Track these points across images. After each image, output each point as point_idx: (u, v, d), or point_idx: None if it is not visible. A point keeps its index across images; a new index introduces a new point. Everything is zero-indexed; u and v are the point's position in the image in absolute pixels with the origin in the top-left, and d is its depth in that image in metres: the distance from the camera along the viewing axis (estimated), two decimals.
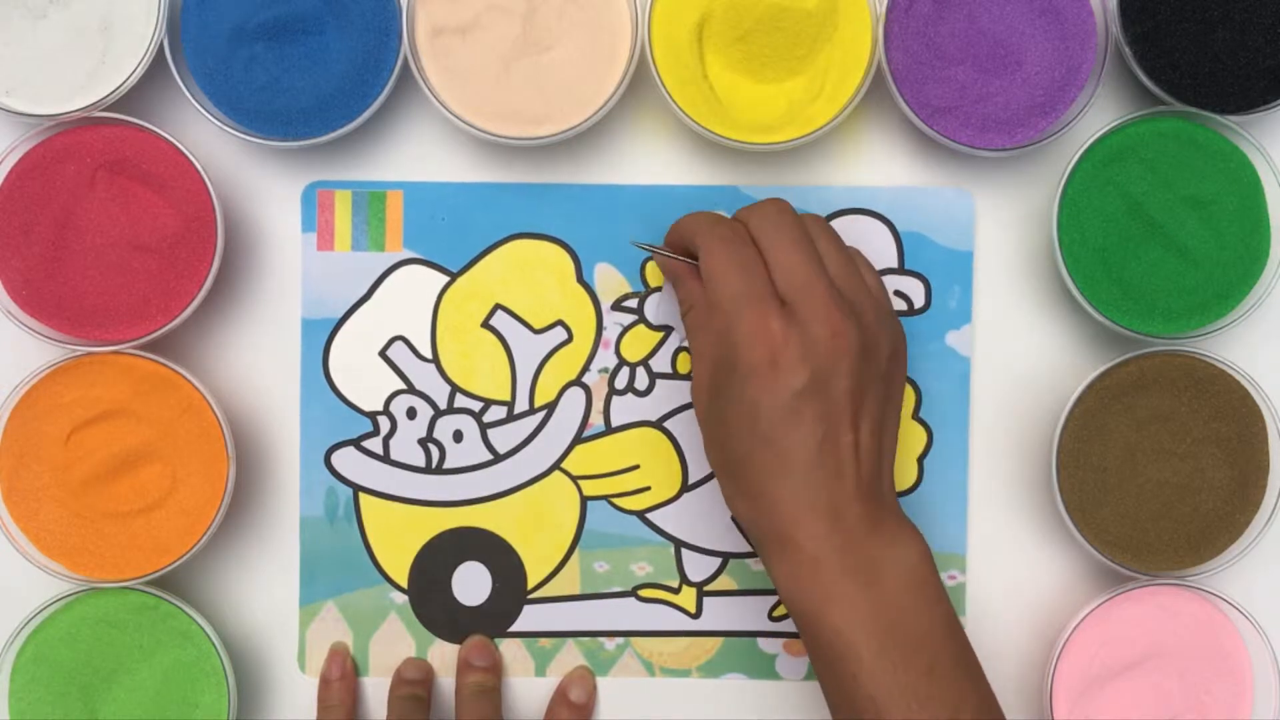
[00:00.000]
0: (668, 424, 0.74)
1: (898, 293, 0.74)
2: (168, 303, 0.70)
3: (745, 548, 0.74)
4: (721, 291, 0.65)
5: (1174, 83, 0.70)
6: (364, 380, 0.74)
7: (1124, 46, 0.70)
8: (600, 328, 0.74)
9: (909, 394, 0.74)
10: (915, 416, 0.74)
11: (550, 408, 0.74)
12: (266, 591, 0.74)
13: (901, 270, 0.74)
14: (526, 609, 0.74)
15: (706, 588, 0.74)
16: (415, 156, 0.74)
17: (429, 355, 0.74)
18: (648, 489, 0.74)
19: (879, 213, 0.74)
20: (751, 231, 0.67)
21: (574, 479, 0.74)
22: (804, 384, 0.63)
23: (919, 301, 0.74)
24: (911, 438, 0.74)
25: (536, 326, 0.74)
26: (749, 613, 0.74)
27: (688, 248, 0.69)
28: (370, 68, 0.70)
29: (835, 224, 0.74)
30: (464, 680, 0.73)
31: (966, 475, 0.74)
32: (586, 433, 0.74)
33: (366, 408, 0.74)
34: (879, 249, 0.74)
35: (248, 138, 0.70)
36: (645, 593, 0.74)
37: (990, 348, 0.74)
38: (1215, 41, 0.70)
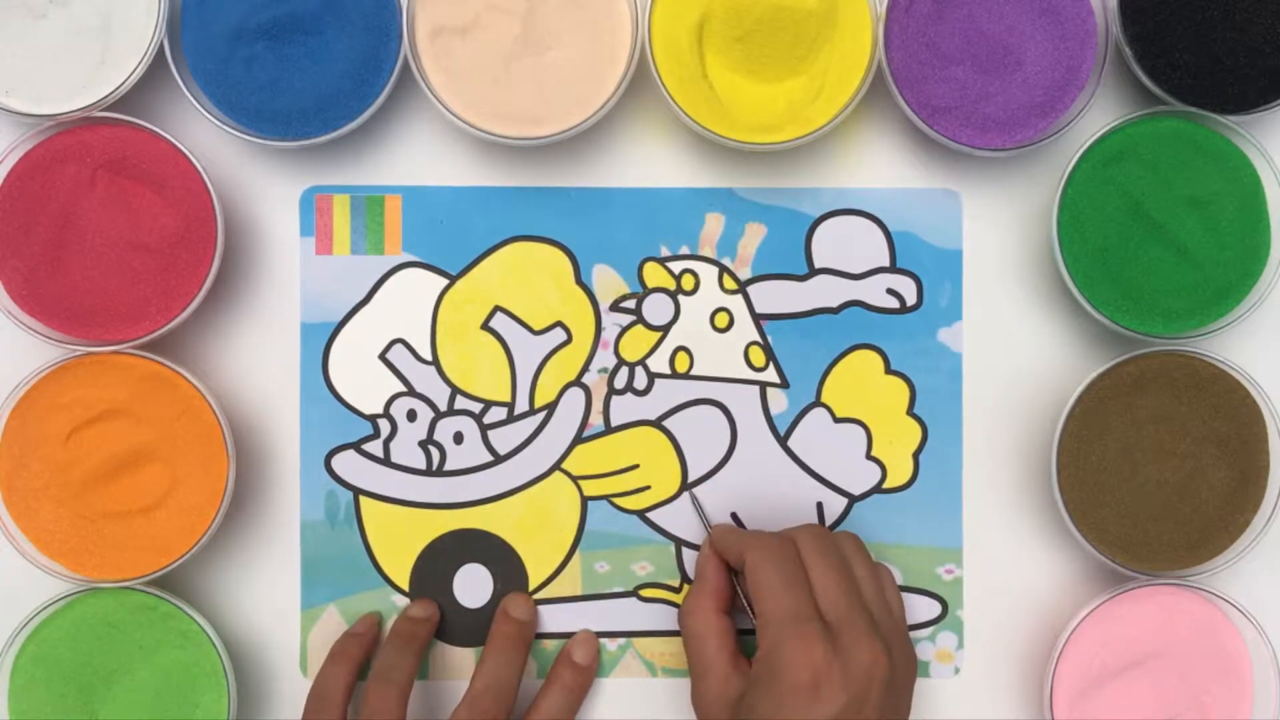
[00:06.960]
0: (667, 423, 0.74)
1: (890, 290, 0.74)
2: (167, 303, 0.70)
3: None
4: (770, 607, 0.66)
5: (1174, 83, 0.70)
6: (364, 383, 0.74)
7: (1124, 46, 0.70)
8: (599, 328, 0.74)
9: (903, 390, 0.74)
10: (909, 413, 0.74)
11: (550, 408, 0.74)
12: (267, 593, 0.74)
13: (893, 269, 0.74)
14: None
15: None
16: (415, 158, 0.74)
17: (429, 358, 0.74)
18: (648, 488, 0.74)
19: (870, 213, 0.74)
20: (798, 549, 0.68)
21: (574, 479, 0.74)
22: (838, 711, 0.63)
23: (911, 299, 0.74)
24: (906, 434, 0.74)
25: (536, 328, 0.74)
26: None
27: (736, 555, 0.69)
28: (370, 68, 0.70)
29: (829, 224, 0.74)
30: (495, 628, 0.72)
31: (961, 470, 0.74)
32: (586, 433, 0.74)
33: (367, 411, 0.74)
34: (871, 248, 0.74)
35: (247, 138, 0.70)
36: (646, 592, 0.74)
37: (982, 344, 0.74)
38: (1215, 41, 0.70)
